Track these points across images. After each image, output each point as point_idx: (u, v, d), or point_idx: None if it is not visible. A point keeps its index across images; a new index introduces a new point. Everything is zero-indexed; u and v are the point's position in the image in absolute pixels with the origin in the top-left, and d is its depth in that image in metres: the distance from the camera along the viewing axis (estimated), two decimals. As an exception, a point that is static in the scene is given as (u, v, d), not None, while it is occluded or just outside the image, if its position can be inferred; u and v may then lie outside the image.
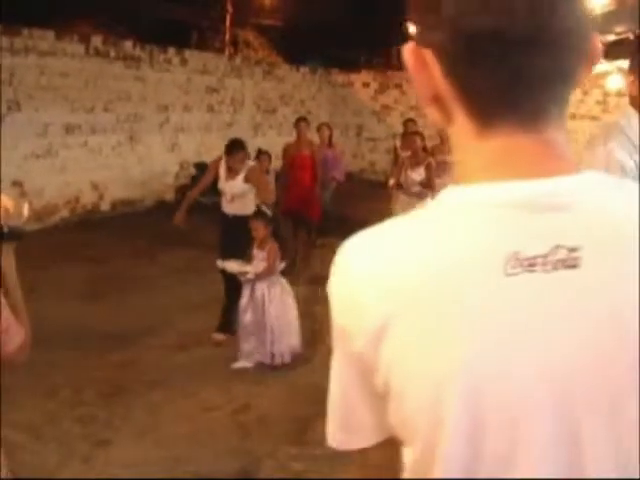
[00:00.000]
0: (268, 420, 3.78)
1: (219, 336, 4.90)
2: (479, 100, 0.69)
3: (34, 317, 1.49)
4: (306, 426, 3.70)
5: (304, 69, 14.71)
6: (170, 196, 11.11)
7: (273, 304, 4.40)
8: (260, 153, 7.43)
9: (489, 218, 0.67)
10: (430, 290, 0.67)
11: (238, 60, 12.99)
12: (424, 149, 6.39)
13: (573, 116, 12.10)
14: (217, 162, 5.13)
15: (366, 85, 15.27)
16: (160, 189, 10.91)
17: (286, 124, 14.03)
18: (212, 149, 11.85)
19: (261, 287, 4.40)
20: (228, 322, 4.88)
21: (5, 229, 1.51)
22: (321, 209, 7.71)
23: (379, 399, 0.74)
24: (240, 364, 4.44)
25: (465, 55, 0.67)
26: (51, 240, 8.12)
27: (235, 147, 4.95)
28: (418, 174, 6.07)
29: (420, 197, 6.04)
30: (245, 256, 4.55)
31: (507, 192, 0.67)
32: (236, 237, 4.86)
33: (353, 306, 0.72)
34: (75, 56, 9.27)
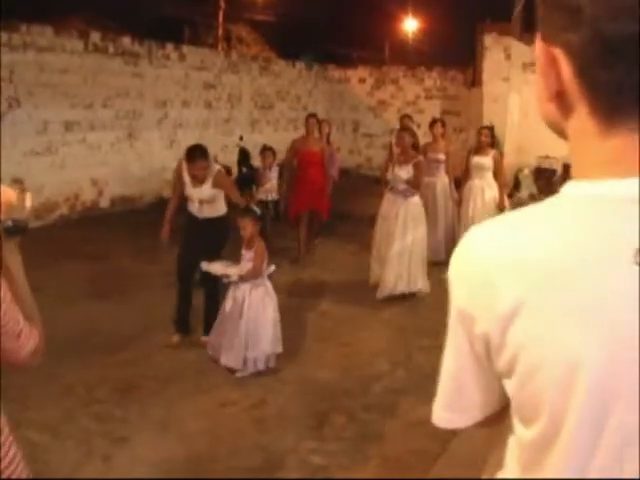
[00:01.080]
0: (285, 415, 3.77)
1: (208, 338, 4.65)
2: (607, 99, 0.72)
3: (42, 316, 1.45)
4: (323, 421, 3.72)
5: (300, 65, 14.66)
6: (169, 192, 10.97)
7: (252, 307, 4.19)
8: (264, 149, 7.43)
9: (614, 212, 0.71)
10: (563, 276, 0.71)
11: (235, 56, 12.93)
12: (414, 146, 6.24)
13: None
14: (179, 169, 4.78)
15: (362, 81, 15.24)
16: (159, 185, 10.79)
17: (283, 120, 14.04)
18: (210, 145, 11.75)
19: (243, 288, 4.21)
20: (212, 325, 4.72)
21: (9, 223, 1.42)
22: (330, 206, 7.69)
23: (492, 378, 0.82)
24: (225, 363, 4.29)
25: (601, 56, 0.69)
26: (51, 237, 8.04)
27: (196, 155, 4.60)
28: (405, 172, 5.89)
29: (406, 196, 5.92)
30: (219, 258, 4.42)
31: (630, 188, 0.70)
32: (209, 239, 4.72)
33: (483, 290, 0.76)
34: (74, 52, 9.18)
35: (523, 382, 0.75)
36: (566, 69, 0.73)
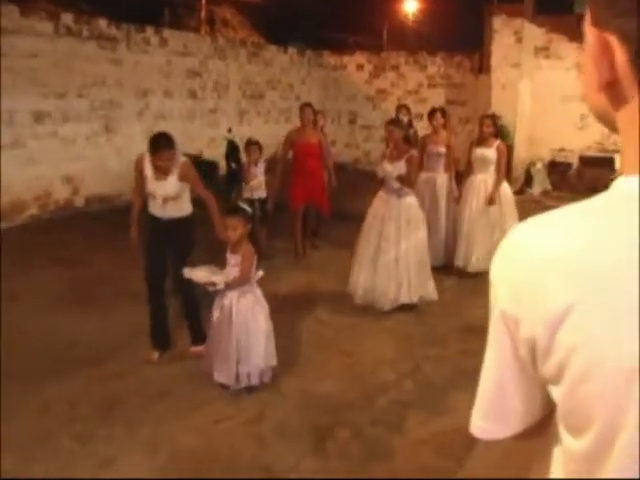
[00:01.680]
0: (285, 431, 3.79)
1: (198, 348, 4.70)
2: None
3: (18, 327, 1.43)
4: (325, 436, 3.74)
5: (292, 51, 14.70)
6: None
7: (241, 317, 4.13)
8: (249, 143, 7.40)
9: None
10: (616, 275, 0.72)
11: (221, 41, 12.95)
12: (406, 140, 6.11)
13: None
14: (141, 161, 4.60)
15: (360, 68, 15.31)
16: (140, 183, 10.84)
17: (274, 110, 14.08)
18: (195, 138, 11.85)
19: (230, 296, 4.14)
20: (200, 332, 4.77)
21: None
22: (330, 200, 7.85)
23: (535, 386, 0.84)
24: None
25: None
26: (20, 241, 8.05)
27: (161, 144, 4.45)
28: (396, 168, 5.77)
29: (399, 195, 5.84)
30: (187, 264, 4.30)
31: None
32: (177, 243, 4.64)
33: (530, 290, 0.78)
34: (43, 35, 9.15)
35: (574, 388, 0.76)
36: (620, 57, 0.75)
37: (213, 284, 4.06)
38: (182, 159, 4.66)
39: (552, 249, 0.77)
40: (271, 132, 12.31)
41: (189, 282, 4.28)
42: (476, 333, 5.27)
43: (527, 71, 12.33)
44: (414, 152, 6.03)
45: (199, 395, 4.17)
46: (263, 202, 7.28)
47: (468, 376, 4.59)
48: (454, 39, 14.54)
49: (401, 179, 5.79)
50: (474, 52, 13.83)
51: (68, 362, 4.61)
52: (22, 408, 3.93)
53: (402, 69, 14.88)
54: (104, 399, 4.11)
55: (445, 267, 6.99)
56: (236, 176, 8.59)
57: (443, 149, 7.19)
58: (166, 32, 11.42)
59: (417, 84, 14.70)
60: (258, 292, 4.28)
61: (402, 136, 5.97)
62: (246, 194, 7.21)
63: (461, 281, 6.72)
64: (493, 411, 0.92)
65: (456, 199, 7.16)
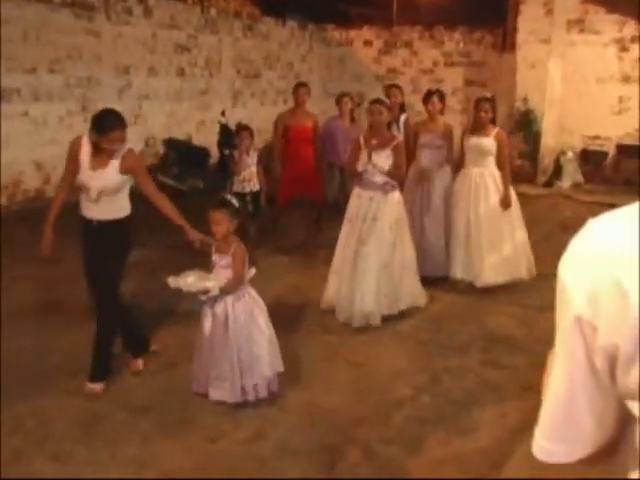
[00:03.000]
0: (288, 450, 3.78)
1: (94, 386, 4.38)
2: None
3: None
4: (334, 457, 3.74)
5: (292, 24, 14.70)
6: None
7: (240, 323, 4.08)
8: (240, 129, 7.36)
9: None
10: None
11: (213, 12, 12.93)
12: (389, 124, 5.82)
13: (627, 79, 12.22)
14: (77, 143, 4.31)
15: (368, 44, 15.30)
16: (120, 171, 10.83)
17: (271, 91, 14.08)
18: (183, 122, 11.85)
19: (223, 302, 4.07)
20: (101, 366, 4.48)
21: None
22: (324, 189, 7.99)
23: (610, 401, 0.83)
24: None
25: None
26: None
27: (112, 122, 4.18)
28: (385, 159, 5.52)
29: (385, 191, 5.60)
30: (119, 277, 4.22)
31: None
32: (108, 251, 4.34)
33: (612, 295, 0.78)
34: (9, 1, 9.08)
35: None
36: None
37: (206, 291, 3.98)
38: (127, 147, 4.35)
39: (633, 248, 0.77)
40: (268, 115, 12.25)
41: (113, 295, 4.26)
42: (501, 342, 5.34)
43: (558, 48, 12.31)
44: (400, 138, 5.80)
45: (191, 410, 4.15)
46: (256, 195, 7.20)
47: (492, 390, 4.62)
48: (475, 12, 14.45)
49: (390, 173, 5.57)
50: (497, 26, 13.79)
51: (40, 374, 4.59)
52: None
53: (415, 45, 14.87)
54: (82, 414, 4.09)
55: (447, 277, 6.74)
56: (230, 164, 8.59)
57: (440, 140, 6.79)
58: (151, 1, 11.39)
59: (432, 62, 14.69)
60: (253, 292, 4.25)
61: (388, 120, 5.73)
62: (237, 187, 7.15)
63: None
64: (560, 430, 0.91)
65: (448, 195, 6.82)
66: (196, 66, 12.14)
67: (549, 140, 12.60)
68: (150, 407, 4.16)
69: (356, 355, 5.08)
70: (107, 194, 4.30)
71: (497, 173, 6.62)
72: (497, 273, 6.52)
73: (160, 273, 6.60)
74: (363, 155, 5.58)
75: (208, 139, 11.12)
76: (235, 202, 4.22)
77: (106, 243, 4.35)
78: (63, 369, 4.65)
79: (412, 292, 5.88)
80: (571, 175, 12.50)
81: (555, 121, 12.61)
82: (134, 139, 10.96)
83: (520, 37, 12.43)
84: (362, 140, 5.66)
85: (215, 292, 3.99)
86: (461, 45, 14.45)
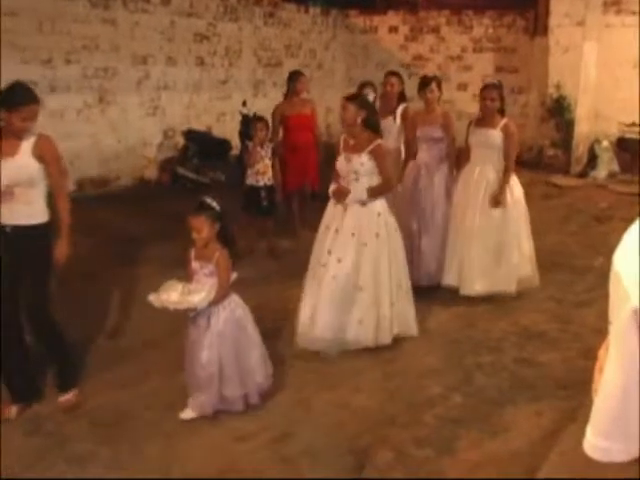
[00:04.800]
0: (316, 451, 3.78)
1: (68, 397, 4.26)
2: None
3: None
4: (364, 458, 3.73)
5: (314, 10, 14.66)
6: (152, 173, 11.10)
7: (227, 332, 3.98)
8: (255, 120, 7.34)
9: None
10: None
11: (233, -1, 12.96)
12: (364, 123, 5.01)
13: None
14: None
15: (393, 30, 15.23)
16: (139, 163, 10.87)
17: (292, 80, 14.05)
18: (203, 112, 11.89)
19: (208, 311, 3.95)
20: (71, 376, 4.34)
21: None
22: (318, 174, 7.99)
23: None
24: (188, 414, 4.08)
25: None
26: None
27: (20, 95, 3.86)
28: (359, 164, 4.93)
29: (363, 202, 4.99)
30: (44, 294, 3.99)
31: None
32: (26, 265, 3.95)
33: None
34: (25, -9, 9.16)
35: None
36: None
37: (193, 309, 3.87)
38: (39, 132, 4.03)
39: None
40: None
41: (47, 313, 4.01)
42: (536, 339, 5.30)
43: (593, 31, 12.15)
44: (379, 140, 5.03)
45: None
46: (270, 189, 7.16)
47: (527, 388, 4.60)
48: (505, -5, 14.38)
49: (374, 191, 4.97)
50: (529, 9, 13.68)
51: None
52: (9, 427, 3.95)
53: (443, 31, 14.77)
54: (105, 413, 4.13)
55: (445, 286, 6.30)
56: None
57: (439, 132, 6.31)
58: (169, -12, 11.42)
59: (460, 48, 14.59)
60: (235, 297, 4.13)
61: (364, 119, 5.00)
62: (250, 180, 7.16)
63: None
64: (614, 428, 0.90)
65: (450, 197, 6.33)
66: (216, 55, 12.14)
67: (583, 128, 12.46)
68: (175, 405, 4.16)
69: (385, 353, 5.06)
70: (20, 187, 3.86)
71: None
72: (489, 284, 6.03)
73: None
74: (340, 159, 5.08)
75: (228, 130, 11.14)
76: (216, 205, 4.00)
77: (25, 256, 3.94)
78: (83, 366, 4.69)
79: (404, 317, 5.24)
80: (606, 164, 12.36)
81: (589, 108, 12.47)
82: (153, 131, 11.10)
83: (553, 20, 12.30)
84: (342, 141, 5.17)
85: (203, 305, 3.86)
86: (490, 30, 14.32)
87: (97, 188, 10.16)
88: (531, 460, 3.71)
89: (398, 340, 5.26)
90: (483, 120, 6.09)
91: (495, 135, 5.99)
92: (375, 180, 5.00)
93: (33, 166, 3.91)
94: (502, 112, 6.09)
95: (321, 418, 4.14)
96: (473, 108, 7.29)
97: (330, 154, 6.17)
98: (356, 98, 5.14)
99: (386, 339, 5.07)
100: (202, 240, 3.94)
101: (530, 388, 4.57)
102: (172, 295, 3.82)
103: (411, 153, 6.51)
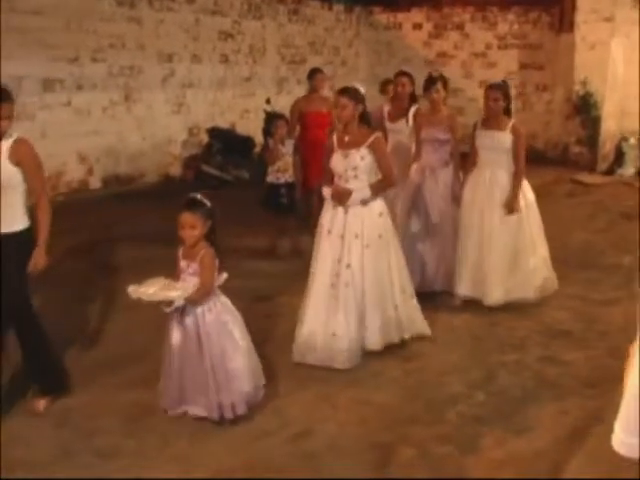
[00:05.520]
0: (339, 448, 3.77)
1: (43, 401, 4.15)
2: None
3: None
4: (387, 455, 3.71)
5: (338, 7, 14.67)
6: (177, 170, 11.17)
7: (213, 336, 3.86)
8: (275, 117, 7.36)
9: None
10: None
11: (257, -4, 13.00)
12: (361, 118, 4.80)
13: None
14: None
15: (417, 27, 15.18)
16: (164, 161, 10.95)
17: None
18: (227, 110, 11.93)
19: (193, 312, 3.85)
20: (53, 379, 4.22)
21: None
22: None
23: None
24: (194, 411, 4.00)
25: None
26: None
27: None
28: (359, 159, 4.71)
29: (364, 201, 4.78)
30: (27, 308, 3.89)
31: None
32: (6, 276, 3.79)
33: None
34: (53, -10, 9.25)
35: None
36: None
37: (169, 303, 3.75)
38: (16, 134, 3.83)
39: None
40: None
41: (26, 312, 3.89)
42: (561, 337, 5.25)
43: (622, 26, 11.98)
44: (379, 134, 4.87)
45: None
46: (290, 187, 7.17)
47: (551, 387, 4.55)
48: (530, -9, 14.29)
49: (376, 187, 4.77)
50: (554, 5, 13.57)
51: (88, 365, 4.69)
52: (34, 420, 3.99)
53: (467, 28, 14.70)
54: (131, 408, 4.15)
55: (441, 292, 6.17)
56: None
57: (444, 134, 6.11)
58: (193, -14, 11.48)
59: (485, 45, 14.52)
60: (224, 299, 4.00)
61: (361, 114, 4.79)
62: (271, 177, 7.17)
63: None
64: None
65: (457, 201, 6.07)
66: (240, 53, 12.20)
67: (610, 125, 12.33)
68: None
69: (408, 349, 5.05)
70: None
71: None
72: (508, 291, 5.82)
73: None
74: (336, 156, 4.82)
75: (252, 127, 11.17)
76: (207, 202, 3.90)
77: (5, 262, 3.79)
78: (111, 362, 4.72)
79: (411, 320, 5.10)
80: (633, 162, 12.22)
81: (616, 105, 12.32)
82: (178, 128, 11.16)
83: (579, 16, 12.19)
84: (334, 138, 4.91)
85: (179, 303, 3.75)
86: (515, 26, 14.23)
87: (122, 185, 10.25)
88: (556, 459, 3.67)
89: (420, 338, 5.24)
90: (489, 121, 5.87)
91: (504, 137, 5.77)
92: (374, 177, 4.80)
93: (9, 169, 3.73)
94: (509, 113, 5.86)
95: (343, 415, 4.13)
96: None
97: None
98: (349, 91, 4.78)
99: (394, 339, 4.96)
100: (194, 238, 3.82)
101: (555, 387, 4.53)
102: (150, 289, 3.72)
103: (416, 155, 6.29)
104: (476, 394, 4.44)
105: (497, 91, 5.77)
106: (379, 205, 4.84)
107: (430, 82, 6.07)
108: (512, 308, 5.80)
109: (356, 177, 4.72)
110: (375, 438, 3.86)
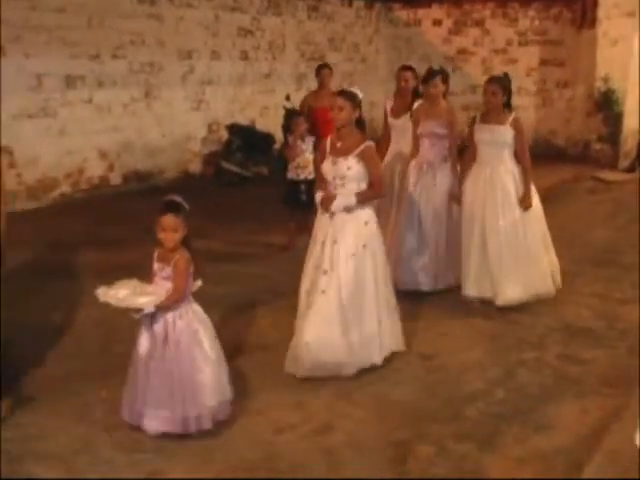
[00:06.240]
0: (358, 444, 3.77)
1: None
2: None
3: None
4: (405, 452, 3.71)
5: (358, 4, 14.65)
6: (196, 166, 11.22)
7: (182, 345, 3.69)
8: (295, 114, 7.37)
9: None
10: None
11: (276, -8, 13.01)
12: (358, 123, 4.61)
13: None
14: None
15: (437, 23, 15.15)
16: (184, 157, 11.00)
17: (336, 74, 13.90)
18: (247, 106, 11.95)
19: (163, 318, 3.69)
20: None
21: None
22: None
23: None
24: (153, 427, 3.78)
25: None
26: (49, 223, 8.27)
27: None
28: (346, 167, 4.50)
29: (349, 209, 4.55)
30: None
31: None
32: None
33: None
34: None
35: None
36: None
37: (138, 310, 3.59)
38: None
39: None
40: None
41: None
42: (581, 335, 5.23)
43: (644, 22, 11.89)
44: (370, 142, 4.61)
45: (258, 399, 4.21)
46: (310, 183, 7.12)
47: (571, 385, 4.54)
48: (551, -14, 14.21)
49: (362, 196, 4.56)
50: (576, 0, 13.48)
51: (108, 359, 4.71)
52: (55, 413, 4.02)
53: (488, 24, 14.66)
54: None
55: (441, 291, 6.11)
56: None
57: (442, 128, 5.97)
58: (213, -17, 11.52)
59: (505, 41, 14.46)
60: (196, 307, 3.84)
61: (357, 119, 4.60)
62: (291, 174, 7.19)
63: (565, 273, 6.53)
64: None
65: (456, 198, 5.97)
66: (259, 49, 12.22)
67: (632, 122, 12.22)
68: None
69: (426, 347, 5.06)
70: None
71: (517, 169, 5.76)
72: (523, 289, 5.71)
73: (222, 262, 6.78)
74: (326, 162, 4.66)
75: (272, 124, 11.18)
76: (185, 204, 3.74)
77: None
78: (128, 356, 4.74)
79: (394, 335, 4.83)
80: (656, 159, 12.13)
81: (639, 101, 12.22)
82: (197, 125, 11.20)
83: (601, 11, 12.11)
84: (328, 143, 4.74)
85: (149, 310, 3.59)
86: (536, 22, 14.16)
87: (142, 181, 10.30)
88: (576, 458, 3.65)
89: (439, 335, 5.26)
90: (488, 115, 5.73)
91: (503, 131, 5.63)
92: (364, 186, 4.61)
93: None
94: (509, 107, 5.71)
95: (362, 411, 4.13)
96: (516, 101, 7.12)
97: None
98: (348, 94, 4.56)
99: (376, 360, 4.62)
100: (175, 242, 3.67)
101: (574, 385, 4.50)
102: (120, 292, 3.58)
103: (414, 150, 6.18)
104: (495, 391, 4.44)
105: (496, 84, 5.65)
106: (366, 214, 4.64)
107: (429, 76, 5.97)
108: (531, 306, 5.78)
109: (343, 185, 4.55)
110: (394, 435, 3.86)
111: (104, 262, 6.68)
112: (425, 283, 6.10)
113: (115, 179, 10.14)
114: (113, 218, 8.53)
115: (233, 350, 4.68)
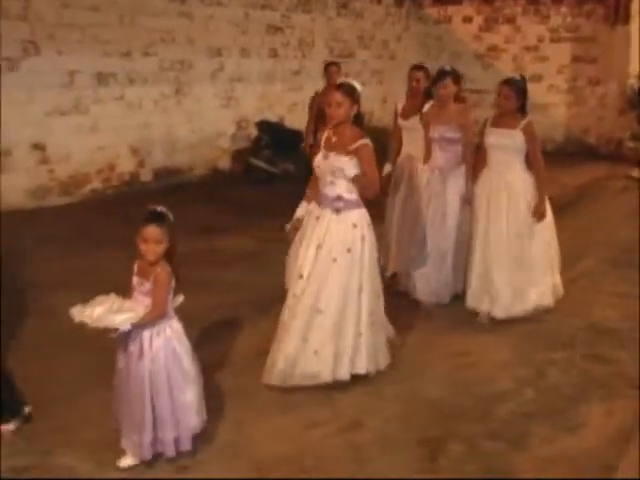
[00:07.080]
0: (387, 441, 3.78)
1: (7, 427, 3.84)
2: None
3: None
4: (436, 450, 3.72)
5: (388, 1, 14.63)
6: (225, 163, 11.27)
7: (158, 364, 3.45)
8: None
9: None
10: None
11: (306, -10, 13.02)
12: (357, 118, 4.31)
13: None
14: None
15: (467, 20, 15.07)
16: (213, 154, 11.05)
17: (365, 71, 14.03)
18: (276, 103, 11.98)
19: (139, 336, 3.44)
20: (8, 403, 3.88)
21: None
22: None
23: None
24: (127, 462, 3.54)
25: None
26: (80, 218, 8.36)
27: None
28: (340, 167, 4.23)
29: (337, 208, 4.28)
30: None
31: None
32: None
33: None
34: (107, -14, 9.41)
35: None
36: None
37: (114, 330, 3.31)
38: None
39: None
40: (362, 96, 12.26)
41: None
42: (608, 336, 5.19)
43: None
44: (367, 140, 4.26)
45: (287, 396, 4.21)
46: None
47: (598, 386, 4.50)
48: (584, -18, 14.08)
49: (359, 184, 4.29)
50: (610, -3, 13.33)
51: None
52: (86, 406, 4.06)
53: (519, 21, 14.54)
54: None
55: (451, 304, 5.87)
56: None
57: (454, 132, 5.67)
58: (243, -20, 11.55)
59: (537, 38, 14.32)
60: (175, 324, 3.57)
61: (356, 114, 4.30)
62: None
63: (592, 273, 6.48)
64: None
65: (468, 201, 5.70)
66: (288, 46, 12.24)
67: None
68: (245, 392, 4.24)
69: (456, 346, 5.05)
70: None
71: (528, 176, 5.51)
72: (523, 301, 5.52)
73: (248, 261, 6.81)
74: (318, 156, 4.39)
75: (300, 121, 11.17)
76: (170, 214, 3.50)
77: None
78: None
79: (378, 347, 4.54)
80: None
81: (672, 99, 12.09)
82: (227, 122, 11.25)
83: (636, 7, 11.95)
84: (324, 136, 4.46)
85: (126, 327, 3.31)
86: (569, 19, 14.01)
87: (171, 177, 10.36)
88: (607, 459, 3.63)
89: (469, 334, 5.24)
90: (500, 119, 5.45)
91: (513, 136, 5.37)
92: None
93: None
94: (524, 111, 5.40)
95: (391, 408, 4.14)
96: (547, 99, 7.05)
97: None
98: (346, 88, 4.27)
99: (344, 375, 4.31)
100: (158, 255, 3.41)
101: (601, 386, 4.49)
102: (96, 311, 3.30)
103: (426, 155, 5.88)
104: (525, 391, 4.43)
105: (509, 87, 5.35)
106: (356, 215, 4.32)
107: (439, 76, 5.70)
108: (557, 306, 5.72)
109: (332, 183, 4.29)
110: (423, 433, 3.87)
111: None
112: (444, 295, 5.87)
113: (145, 175, 10.21)
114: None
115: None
